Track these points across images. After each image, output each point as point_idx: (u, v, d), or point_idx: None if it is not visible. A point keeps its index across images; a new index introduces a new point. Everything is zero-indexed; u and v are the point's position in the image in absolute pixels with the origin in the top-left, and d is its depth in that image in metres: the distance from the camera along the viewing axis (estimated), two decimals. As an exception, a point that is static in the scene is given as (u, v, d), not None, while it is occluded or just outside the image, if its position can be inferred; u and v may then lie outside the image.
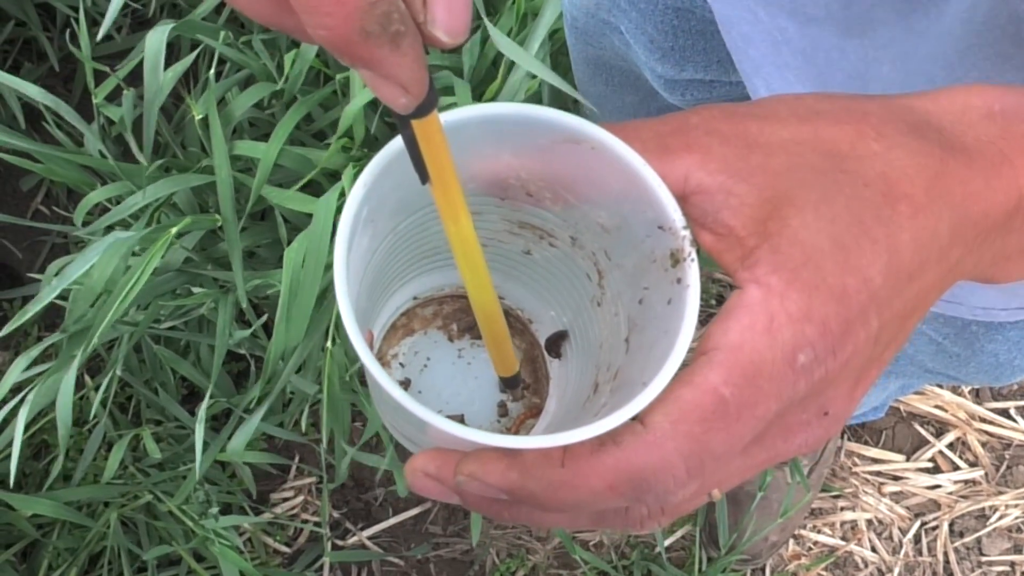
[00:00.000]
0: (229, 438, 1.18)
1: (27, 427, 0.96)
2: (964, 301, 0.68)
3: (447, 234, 0.37)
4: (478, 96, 0.98)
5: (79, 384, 1.30)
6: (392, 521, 1.37)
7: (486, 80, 1.02)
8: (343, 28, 0.29)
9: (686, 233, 0.36)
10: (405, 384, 0.47)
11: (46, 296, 0.85)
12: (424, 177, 0.35)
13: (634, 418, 0.34)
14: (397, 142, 0.36)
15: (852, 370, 0.36)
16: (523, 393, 0.48)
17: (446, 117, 0.36)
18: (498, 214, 0.43)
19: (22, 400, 0.99)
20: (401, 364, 0.48)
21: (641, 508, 0.38)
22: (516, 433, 0.47)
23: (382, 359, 0.48)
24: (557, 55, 1.06)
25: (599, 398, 0.41)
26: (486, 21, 0.90)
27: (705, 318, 1.40)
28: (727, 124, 0.37)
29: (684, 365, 0.35)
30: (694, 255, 0.36)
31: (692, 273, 0.36)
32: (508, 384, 0.45)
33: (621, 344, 0.41)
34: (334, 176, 0.95)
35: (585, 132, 0.36)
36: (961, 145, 0.37)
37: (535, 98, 1.05)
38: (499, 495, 0.37)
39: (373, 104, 1.00)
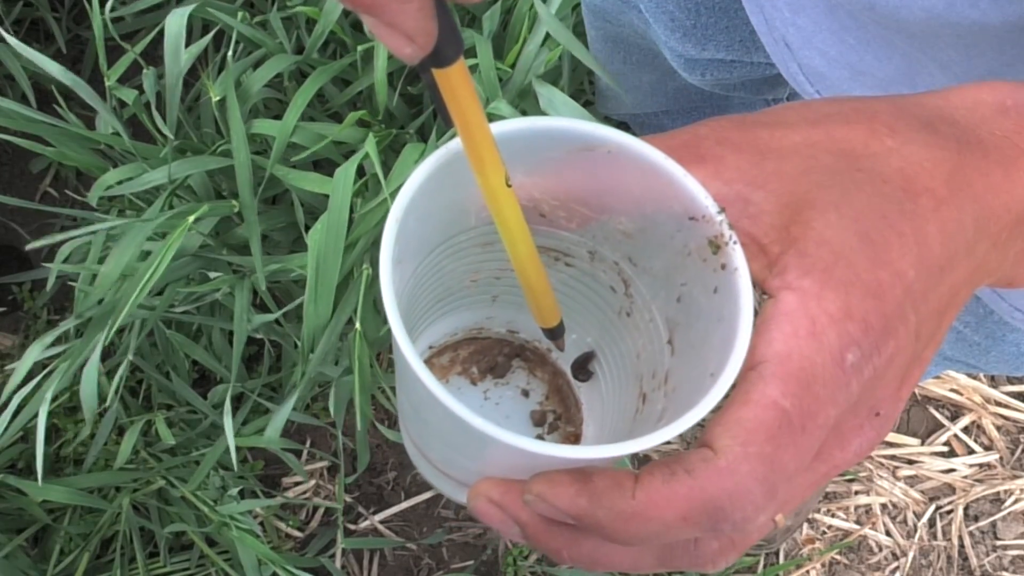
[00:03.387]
0: (244, 423, 1.17)
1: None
2: (1006, 297, 0.67)
3: (480, 186, 0.35)
4: (499, 57, 0.97)
5: (89, 368, 1.29)
6: (404, 505, 1.36)
7: (507, 47, 1.01)
8: None
9: (722, 218, 0.35)
10: None
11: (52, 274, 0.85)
12: (448, 123, 0.33)
13: (702, 444, 0.33)
14: (418, 176, 0.35)
15: (898, 367, 0.35)
16: (557, 424, 0.47)
17: (455, 144, 0.35)
18: None
19: (37, 386, 0.98)
20: None
21: (712, 543, 0.36)
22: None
23: None
24: (578, 26, 1.05)
25: (652, 406, 0.40)
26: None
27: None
28: (737, 133, 0.37)
29: (733, 384, 0.33)
30: (735, 237, 0.35)
31: (738, 255, 0.35)
32: (550, 335, 0.43)
33: (663, 348, 0.40)
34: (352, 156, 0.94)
35: (600, 136, 0.35)
36: (976, 139, 0.36)
37: (555, 70, 1.03)
38: (566, 519, 0.35)
39: (392, 76, 0.98)
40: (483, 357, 0.48)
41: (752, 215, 0.35)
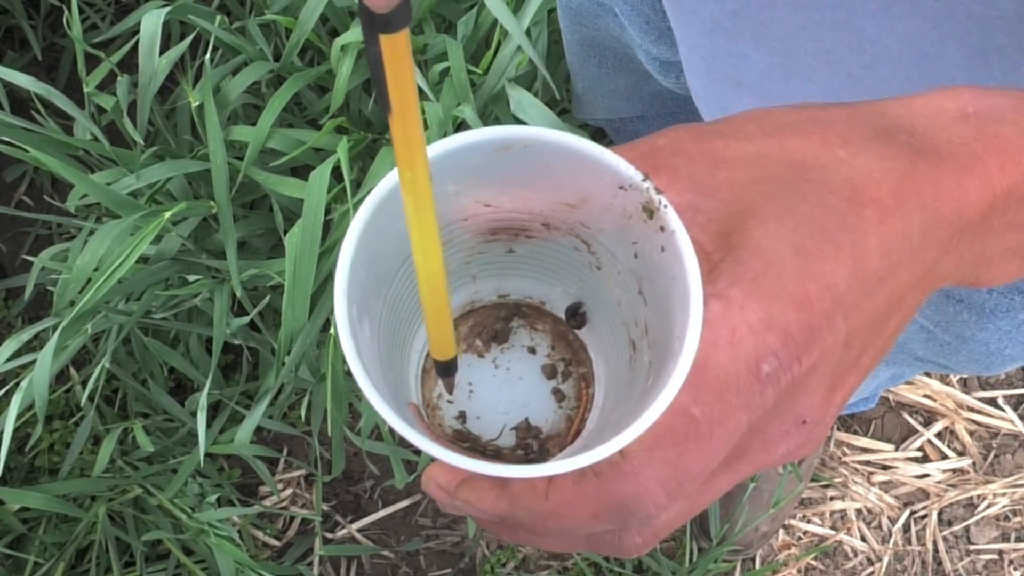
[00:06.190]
0: (221, 431, 1.17)
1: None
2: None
3: (400, 182, 0.34)
4: (473, 62, 0.97)
5: (64, 377, 1.28)
6: (382, 513, 1.36)
7: (479, 52, 1.02)
8: None
9: (648, 184, 0.36)
10: (461, 417, 0.47)
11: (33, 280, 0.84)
12: (387, 106, 0.32)
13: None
14: (352, 236, 0.36)
15: (822, 375, 0.36)
16: (569, 370, 0.48)
17: (380, 185, 0.36)
18: (467, 231, 0.43)
19: (7, 393, 0.98)
20: (449, 401, 0.47)
21: (631, 535, 0.39)
22: (586, 407, 0.47)
23: (429, 405, 0.47)
24: (555, 34, 1.06)
25: (641, 356, 0.41)
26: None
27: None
28: (694, 144, 0.38)
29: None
30: (665, 201, 0.36)
31: (672, 218, 0.35)
32: (443, 370, 0.43)
33: (636, 298, 0.41)
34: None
35: (511, 136, 0.36)
36: (932, 147, 0.37)
37: (528, 73, 1.04)
38: (493, 519, 0.39)
39: (367, 84, 0.99)
40: (483, 328, 0.48)
41: (701, 223, 0.36)
